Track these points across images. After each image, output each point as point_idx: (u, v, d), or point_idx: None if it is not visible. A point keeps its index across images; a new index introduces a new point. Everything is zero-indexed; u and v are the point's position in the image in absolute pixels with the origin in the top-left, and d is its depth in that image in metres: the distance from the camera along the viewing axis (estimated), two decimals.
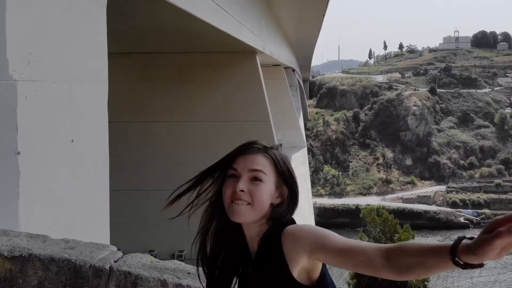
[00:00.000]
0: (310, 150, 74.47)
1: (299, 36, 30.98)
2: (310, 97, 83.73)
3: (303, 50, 42.04)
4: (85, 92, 3.59)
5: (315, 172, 72.15)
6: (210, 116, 13.58)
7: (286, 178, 1.39)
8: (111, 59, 14.01)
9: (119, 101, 14.80)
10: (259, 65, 13.92)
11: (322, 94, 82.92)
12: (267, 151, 1.38)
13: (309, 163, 73.54)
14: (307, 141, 75.18)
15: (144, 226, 11.67)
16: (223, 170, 1.39)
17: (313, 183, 70.79)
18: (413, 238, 42.00)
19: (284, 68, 33.76)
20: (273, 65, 28.19)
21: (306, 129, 76.06)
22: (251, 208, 1.32)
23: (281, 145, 29.57)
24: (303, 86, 66.01)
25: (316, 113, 79.63)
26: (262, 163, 1.35)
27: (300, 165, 28.69)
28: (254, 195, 1.31)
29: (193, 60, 13.96)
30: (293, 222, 1.34)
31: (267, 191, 1.34)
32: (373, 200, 62.13)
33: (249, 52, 13.72)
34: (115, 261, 1.92)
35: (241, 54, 13.76)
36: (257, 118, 13.40)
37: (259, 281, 1.30)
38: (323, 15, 21.86)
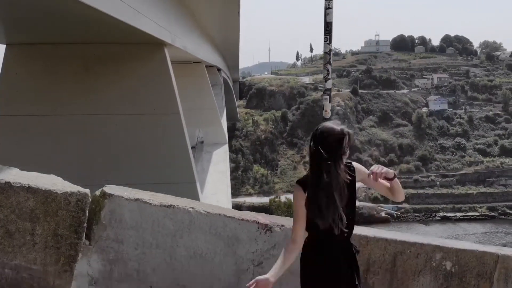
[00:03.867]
0: (240, 150, 74.87)
1: (223, 37, 31.15)
2: (240, 98, 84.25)
3: (229, 50, 42.31)
4: None
5: (244, 172, 72.62)
6: (117, 109, 13.28)
7: None
8: (10, 50, 13.45)
9: (21, 94, 14.13)
10: (167, 57, 13.79)
11: (252, 95, 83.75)
12: None
13: (239, 163, 74.04)
14: (237, 141, 75.73)
15: None
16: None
17: (242, 183, 71.21)
18: None
19: (209, 67, 33.78)
20: (194, 62, 28.07)
21: (236, 129, 76.44)
22: None
23: (202, 142, 29.53)
24: (232, 86, 66.29)
25: (246, 113, 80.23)
26: None
27: (221, 161, 28.88)
28: None
29: (98, 51, 13.55)
30: None
31: None
32: None
33: (156, 44, 13.52)
34: None
35: (147, 46, 13.53)
36: (166, 111, 13.25)
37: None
38: (238, 13, 22.13)
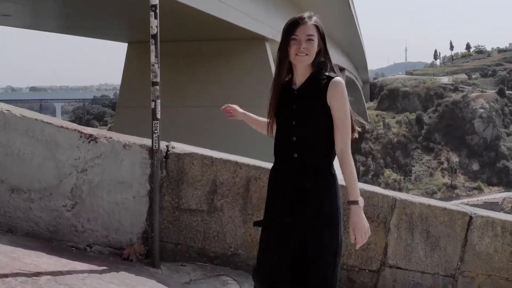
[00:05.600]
0: (370, 153, 72.96)
1: (342, 34, 30.92)
2: (371, 99, 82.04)
3: (353, 49, 41.75)
4: None
5: (375, 176, 70.48)
6: (220, 102, 14.17)
7: (323, 37, 2.11)
8: (131, 48, 15.38)
9: (138, 88, 15.84)
10: (269, 53, 14.31)
11: (383, 96, 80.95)
12: (314, 21, 2.09)
13: (369, 166, 72.22)
14: (366, 143, 73.91)
15: None
16: (287, 38, 2.05)
17: None
18: None
19: None
20: None
21: (365, 131, 74.62)
22: (308, 57, 2.05)
23: None
24: (360, 87, 65.06)
25: (377, 115, 77.85)
26: (313, 29, 2.05)
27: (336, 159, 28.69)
28: (309, 50, 2.04)
29: (208, 48, 14.60)
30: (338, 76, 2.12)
31: (315, 46, 2.07)
32: None
33: (257, 39, 14.12)
34: None
35: (249, 41, 14.21)
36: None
37: (304, 98, 2.08)
38: (349, 5, 21.86)
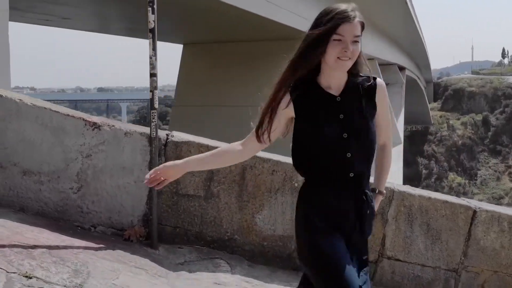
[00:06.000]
0: (433, 156, 70.41)
1: (402, 32, 30.24)
2: (434, 100, 79.14)
3: (415, 47, 40.61)
4: None
5: (438, 180, 68.04)
6: None
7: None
8: (186, 49, 16.00)
9: (193, 87, 16.33)
10: None
11: (447, 97, 77.81)
12: (360, 18, 1.74)
13: (432, 169, 69.82)
14: (429, 146, 71.47)
15: None
16: (327, 37, 1.69)
17: (436, 191, 65.96)
18: None
19: (386, 65, 33.00)
20: (367, 59, 27.95)
21: (429, 133, 72.14)
22: (350, 62, 1.72)
23: None
24: (423, 87, 62.96)
25: (440, 116, 75.01)
26: (358, 28, 1.71)
27: (394, 161, 28.25)
28: (354, 54, 1.71)
29: (257, 48, 14.87)
30: None
31: (360, 48, 1.74)
32: None
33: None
34: None
35: (298, 41, 14.33)
36: None
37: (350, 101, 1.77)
38: (406, 2, 21.33)
